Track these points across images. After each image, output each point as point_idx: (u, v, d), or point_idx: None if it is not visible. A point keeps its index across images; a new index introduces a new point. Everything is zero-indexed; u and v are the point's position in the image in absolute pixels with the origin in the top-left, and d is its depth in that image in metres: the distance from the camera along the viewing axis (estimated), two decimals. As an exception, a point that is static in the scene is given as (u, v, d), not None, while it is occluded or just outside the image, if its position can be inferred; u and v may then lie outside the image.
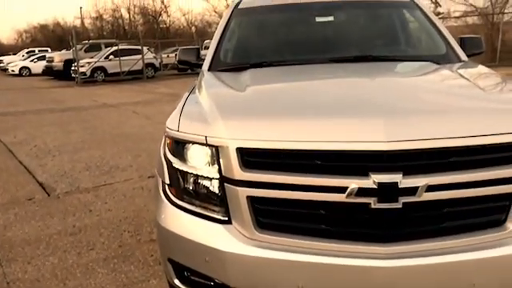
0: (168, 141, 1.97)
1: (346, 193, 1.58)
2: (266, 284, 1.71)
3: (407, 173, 1.57)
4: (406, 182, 1.56)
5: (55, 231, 3.70)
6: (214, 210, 1.82)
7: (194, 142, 1.82)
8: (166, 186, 1.97)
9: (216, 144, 1.75)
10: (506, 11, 21.17)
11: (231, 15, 3.49)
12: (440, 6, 23.80)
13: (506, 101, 2.01)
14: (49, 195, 4.67)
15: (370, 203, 1.58)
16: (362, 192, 1.57)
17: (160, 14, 43.88)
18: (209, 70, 3.04)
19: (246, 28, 3.56)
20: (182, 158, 1.88)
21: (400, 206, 1.57)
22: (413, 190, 1.56)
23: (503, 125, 1.67)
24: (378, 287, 1.62)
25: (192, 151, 1.85)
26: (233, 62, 3.19)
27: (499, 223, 1.68)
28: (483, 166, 1.63)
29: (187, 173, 1.87)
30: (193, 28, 43.62)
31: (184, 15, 44.37)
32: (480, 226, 1.67)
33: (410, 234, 1.64)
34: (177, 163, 1.89)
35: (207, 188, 1.83)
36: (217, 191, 1.80)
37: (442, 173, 1.60)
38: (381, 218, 1.62)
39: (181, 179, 1.90)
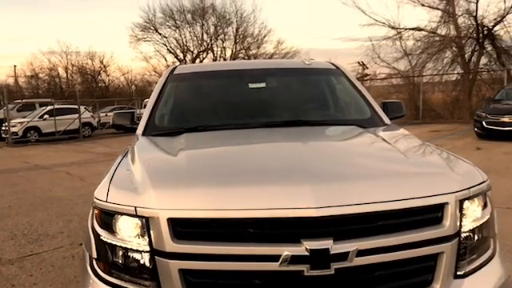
0: (96, 212, 1.90)
1: (280, 261, 1.59)
2: None
3: (337, 238, 1.61)
4: (336, 247, 1.59)
5: (-30, 312, 3.33)
6: (144, 285, 1.74)
7: (122, 213, 1.77)
8: (94, 261, 1.88)
9: (146, 215, 1.71)
10: (424, 74, 23.22)
11: (167, 80, 3.54)
12: (367, 68, 25.78)
13: (426, 164, 2.16)
14: (-35, 270, 4.24)
15: (303, 270, 1.59)
16: (295, 260, 1.59)
17: (99, 74, 43.49)
18: (143, 134, 3.02)
19: (181, 93, 3.61)
20: (111, 230, 1.81)
21: (332, 271, 1.60)
22: (344, 256, 1.60)
23: (424, 188, 1.78)
24: None
25: (121, 223, 1.79)
26: (168, 127, 3.20)
27: (427, 284, 1.74)
28: (409, 228, 1.70)
29: (116, 246, 1.79)
30: (133, 87, 43.50)
31: (123, 74, 44.13)
32: (410, 287, 1.72)
33: None
34: (105, 236, 1.82)
35: (137, 262, 1.76)
36: (147, 265, 1.73)
37: (371, 237, 1.65)
38: (315, 285, 1.63)
39: (109, 253, 1.82)
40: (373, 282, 1.69)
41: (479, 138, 12.68)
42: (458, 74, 23.12)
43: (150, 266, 1.72)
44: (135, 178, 1.95)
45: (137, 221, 1.74)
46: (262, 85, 3.51)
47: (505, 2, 21.10)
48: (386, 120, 3.22)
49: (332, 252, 1.58)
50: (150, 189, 1.78)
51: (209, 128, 2.99)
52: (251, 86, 3.50)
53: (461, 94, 22.23)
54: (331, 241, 1.59)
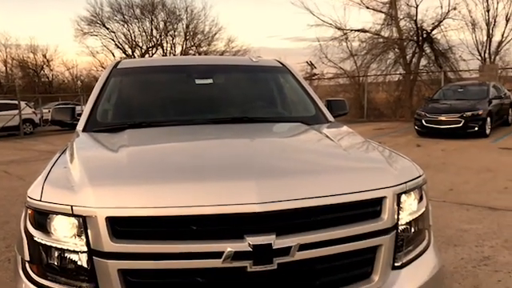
0: (29, 212, 1.80)
1: (223, 258, 1.58)
2: None
3: (280, 233, 1.62)
4: (279, 242, 1.60)
5: None
6: (81, 287, 1.68)
7: (58, 213, 1.69)
8: (27, 263, 1.78)
9: (83, 214, 1.64)
10: (368, 74, 24.05)
11: (110, 75, 3.41)
12: (315, 67, 26.29)
13: (365, 160, 2.23)
14: None
15: (246, 266, 1.59)
16: (238, 256, 1.58)
17: (42, 68, 41.30)
18: (83, 130, 2.90)
19: (124, 88, 3.50)
20: (45, 230, 1.73)
21: (275, 266, 1.61)
22: (286, 250, 1.61)
23: (364, 183, 1.84)
24: None
25: (56, 223, 1.71)
26: (110, 123, 3.09)
27: (366, 276, 1.80)
28: (349, 222, 1.74)
29: (51, 247, 1.71)
30: (78, 82, 41.75)
31: (68, 69, 42.12)
32: (350, 279, 1.78)
33: None
34: (39, 237, 1.73)
35: (74, 263, 1.69)
36: (85, 265, 1.67)
37: (312, 231, 1.68)
38: (258, 281, 1.63)
39: (44, 254, 1.74)
40: (314, 276, 1.72)
41: (419, 136, 13.32)
42: (400, 74, 24.12)
43: (88, 267, 1.66)
44: (72, 175, 1.87)
45: (73, 220, 1.67)
46: (209, 81, 3.47)
47: (442, 7, 22.43)
48: (330, 117, 3.29)
49: (275, 247, 1.59)
50: (88, 186, 1.71)
51: (153, 124, 2.92)
52: (198, 81, 3.44)
53: (403, 93, 23.19)
54: (274, 236, 1.60)
